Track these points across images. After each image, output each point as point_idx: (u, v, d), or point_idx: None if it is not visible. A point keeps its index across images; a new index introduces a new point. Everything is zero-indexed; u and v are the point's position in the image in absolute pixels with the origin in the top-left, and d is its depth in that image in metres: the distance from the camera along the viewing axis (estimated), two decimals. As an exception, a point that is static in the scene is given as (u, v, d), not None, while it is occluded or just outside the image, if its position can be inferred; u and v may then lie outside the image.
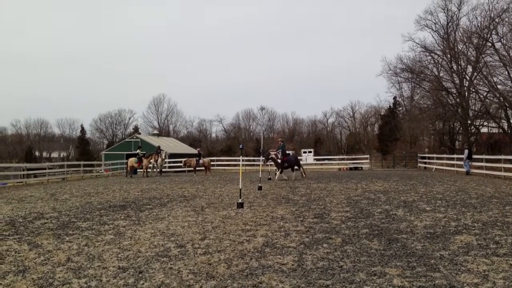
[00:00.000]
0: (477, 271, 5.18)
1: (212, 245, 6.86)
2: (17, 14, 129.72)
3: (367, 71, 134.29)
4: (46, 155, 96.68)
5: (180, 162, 35.66)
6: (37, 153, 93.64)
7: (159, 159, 30.62)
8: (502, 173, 22.99)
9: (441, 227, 7.99)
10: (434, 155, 34.56)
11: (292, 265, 5.61)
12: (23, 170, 27.03)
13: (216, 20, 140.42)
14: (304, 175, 24.00)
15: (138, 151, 31.15)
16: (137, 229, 8.40)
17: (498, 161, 24.52)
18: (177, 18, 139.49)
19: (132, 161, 30.27)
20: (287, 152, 25.27)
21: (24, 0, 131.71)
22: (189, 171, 35.38)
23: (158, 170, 31.57)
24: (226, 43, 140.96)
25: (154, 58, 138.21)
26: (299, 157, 28.81)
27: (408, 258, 5.84)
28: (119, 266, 5.74)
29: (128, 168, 30.43)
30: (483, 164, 25.98)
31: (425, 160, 34.25)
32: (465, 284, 4.67)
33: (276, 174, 22.94)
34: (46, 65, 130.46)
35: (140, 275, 5.31)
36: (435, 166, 33.02)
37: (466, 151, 26.91)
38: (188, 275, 5.25)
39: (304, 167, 27.41)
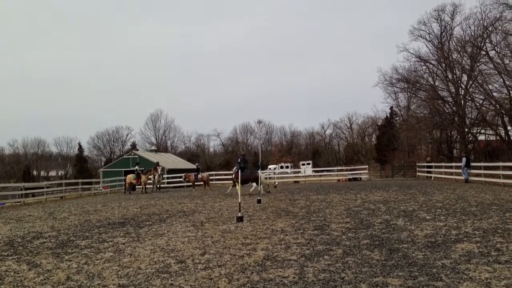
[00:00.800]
0: (479, 279, 5.16)
1: (213, 260, 6.82)
2: (13, 32, 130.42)
3: (363, 82, 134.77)
4: (44, 174, 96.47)
5: (179, 177, 35.60)
6: (35, 172, 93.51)
7: (156, 175, 30.60)
8: (501, 180, 23.00)
9: (442, 236, 7.97)
10: (433, 164, 34.58)
11: (294, 277, 5.58)
12: (21, 190, 26.94)
13: (214, 37, 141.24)
14: (267, 191, 22.71)
15: (136, 167, 31.13)
16: (136, 246, 8.35)
17: (497, 168, 24.53)
18: (176, 35, 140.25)
19: (130, 177, 30.25)
20: (245, 167, 23.24)
21: (20, 19, 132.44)
22: (187, 186, 35.31)
23: (157, 186, 31.52)
24: (223, 58, 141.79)
25: (150, 74, 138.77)
26: (262, 171, 26.93)
27: (409, 267, 5.82)
28: (119, 283, 5.70)
29: (127, 185, 30.38)
30: (482, 171, 25.99)
31: (427, 170, 34.13)
32: (467, 293, 4.64)
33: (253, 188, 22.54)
34: (42, 84, 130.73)
35: (141, 292, 5.27)
36: (433, 175, 33.03)
37: (464, 159, 26.91)
38: (189, 291, 5.20)
39: (303, 179, 27.30)
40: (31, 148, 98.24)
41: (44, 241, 9.50)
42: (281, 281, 5.46)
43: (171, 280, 5.72)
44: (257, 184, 21.83)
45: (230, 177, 31.10)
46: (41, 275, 6.33)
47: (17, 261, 7.49)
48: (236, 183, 20.94)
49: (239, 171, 20.41)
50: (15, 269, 6.85)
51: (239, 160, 22.89)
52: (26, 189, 27.63)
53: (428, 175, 33.53)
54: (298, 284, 5.30)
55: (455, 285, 4.93)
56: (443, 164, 33.58)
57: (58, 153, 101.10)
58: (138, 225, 11.43)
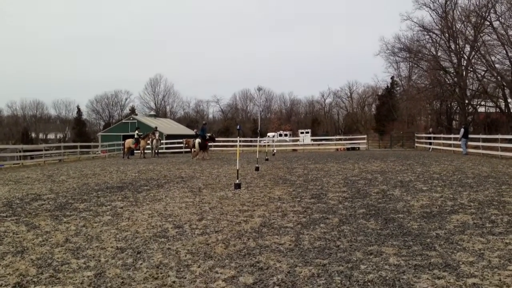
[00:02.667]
0: (473, 249, 5.22)
1: (210, 225, 6.89)
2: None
3: (364, 51, 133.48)
4: (42, 136, 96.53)
5: (177, 143, 35.67)
6: (33, 135, 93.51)
7: (155, 140, 30.62)
8: (499, 153, 23.05)
9: (438, 207, 8.03)
10: (431, 135, 34.59)
11: (289, 245, 5.65)
12: (20, 152, 27.00)
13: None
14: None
15: (136, 132, 31.10)
16: (134, 210, 8.42)
17: (495, 140, 24.57)
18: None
19: (129, 142, 30.27)
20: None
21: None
22: (186, 152, 35.39)
23: (156, 151, 31.58)
24: (224, 22, 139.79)
25: (150, 38, 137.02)
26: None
27: (404, 237, 5.88)
28: (117, 246, 5.76)
29: (125, 149, 30.42)
30: (480, 143, 26.02)
31: (430, 141, 34.05)
32: (460, 263, 4.71)
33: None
34: (43, 47, 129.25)
35: (138, 255, 5.34)
36: (432, 146, 33.08)
37: (462, 130, 26.78)
38: (186, 255, 5.27)
39: (301, 147, 27.92)
40: (30, 110, 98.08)
41: (42, 203, 9.56)
42: (277, 247, 5.53)
43: (169, 245, 5.79)
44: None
45: (233, 144, 32.17)
46: (40, 237, 6.40)
47: (15, 222, 7.56)
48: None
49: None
50: (14, 230, 6.92)
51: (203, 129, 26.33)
52: (24, 151, 27.68)
53: (430, 146, 33.53)
54: (293, 251, 5.37)
55: (448, 255, 5.00)
56: (442, 135, 33.60)
57: (57, 116, 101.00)
58: (136, 190, 11.50)
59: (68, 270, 4.81)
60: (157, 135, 31.19)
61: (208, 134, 27.27)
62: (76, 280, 4.49)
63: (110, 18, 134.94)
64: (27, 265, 5.04)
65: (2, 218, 7.98)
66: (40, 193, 11.30)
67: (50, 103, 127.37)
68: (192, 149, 28.35)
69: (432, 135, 34.26)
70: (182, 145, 34.45)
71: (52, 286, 4.32)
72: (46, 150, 31.25)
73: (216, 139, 34.53)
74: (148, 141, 30.37)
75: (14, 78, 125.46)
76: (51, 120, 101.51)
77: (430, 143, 33.62)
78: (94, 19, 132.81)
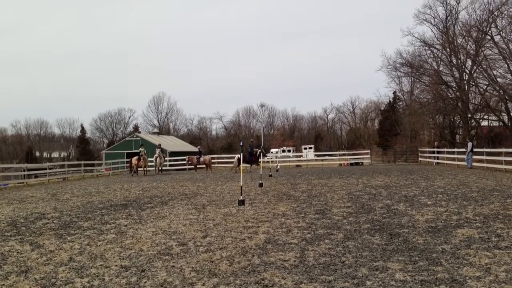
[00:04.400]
0: (479, 264, 5.18)
1: (214, 242, 6.86)
2: (16, 13, 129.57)
3: (366, 66, 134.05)
4: (46, 155, 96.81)
5: (181, 160, 35.71)
6: (37, 153, 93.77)
7: (158, 158, 30.68)
8: (503, 166, 22.97)
9: (443, 221, 7.99)
10: (435, 149, 34.50)
11: (294, 261, 5.62)
12: (24, 171, 27.05)
13: (215, 18, 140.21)
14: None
15: (140, 149, 31.15)
16: (138, 228, 8.41)
17: (499, 154, 24.50)
18: (176, 17, 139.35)
19: (135, 159, 30.33)
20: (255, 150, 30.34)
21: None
22: (189, 168, 35.40)
23: (160, 168, 31.60)
24: (225, 40, 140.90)
25: (153, 56, 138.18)
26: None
27: (410, 252, 5.84)
28: (121, 265, 5.74)
29: (134, 167, 30.38)
30: (484, 157, 25.95)
31: (433, 155, 33.87)
32: (467, 278, 4.67)
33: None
34: (45, 65, 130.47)
35: (143, 273, 5.32)
36: (435, 161, 32.98)
37: (470, 144, 26.75)
38: (190, 273, 5.25)
39: (305, 163, 28.24)
40: (34, 129, 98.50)
41: (46, 222, 9.56)
42: (282, 264, 5.50)
43: (173, 262, 5.77)
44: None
45: (233, 160, 32.94)
46: (44, 256, 6.39)
47: (20, 241, 7.55)
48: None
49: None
50: (18, 249, 6.91)
51: (251, 145, 30.41)
52: (28, 170, 27.72)
53: (434, 160, 33.37)
54: (298, 267, 5.34)
55: (455, 270, 4.96)
56: (445, 149, 33.51)
57: (61, 134, 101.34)
58: (140, 207, 11.49)
59: (72, 289, 4.79)
60: (157, 152, 31.25)
61: (257, 150, 30.09)
62: (81, 299, 4.47)
63: (110, 36, 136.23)
64: (31, 284, 5.03)
65: (6, 237, 7.98)
66: (44, 212, 11.30)
67: (54, 122, 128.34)
68: (196, 166, 28.94)
69: (436, 149, 34.16)
70: (186, 162, 34.49)
71: (56, 306, 4.30)
72: (50, 168, 31.33)
73: (219, 155, 34.69)
74: (141, 162, 30.33)
75: (18, 97, 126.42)
76: (55, 138, 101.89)
77: (436, 158, 33.47)
78: (95, 37, 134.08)
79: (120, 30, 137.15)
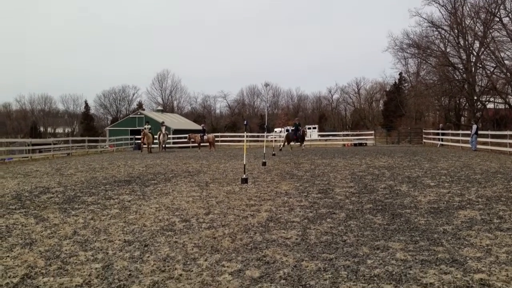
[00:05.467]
0: (480, 245, 5.20)
1: (217, 219, 6.91)
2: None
3: (372, 47, 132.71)
4: (50, 130, 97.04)
5: (184, 138, 35.74)
6: (41, 129, 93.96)
7: (161, 135, 30.73)
8: (508, 149, 22.89)
9: (445, 202, 8.01)
10: (439, 131, 34.38)
11: (296, 239, 5.65)
12: (28, 145, 27.17)
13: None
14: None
15: (145, 126, 31.14)
16: (142, 204, 8.47)
17: (504, 136, 24.38)
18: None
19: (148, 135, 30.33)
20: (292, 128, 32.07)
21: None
22: (193, 146, 35.47)
23: (163, 146, 31.66)
24: (230, 18, 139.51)
25: (157, 33, 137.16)
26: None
27: (411, 232, 5.87)
28: (124, 239, 5.80)
29: (145, 144, 30.21)
30: (489, 140, 25.86)
31: (439, 137, 33.78)
32: (467, 258, 4.69)
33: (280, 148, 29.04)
34: (50, 40, 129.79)
35: (146, 248, 5.37)
36: (440, 142, 32.91)
37: (475, 126, 26.65)
38: (193, 249, 5.30)
39: (309, 143, 28.59)
40: (38, 104, 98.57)
41: (51, 196, 9.64)
42: (284, 242, 5.54)
43: (176, 238, 5.82)
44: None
45: (240, 139, 33.21)
46: (48, 229, 6.45)
47: (24, 214, 7.62)
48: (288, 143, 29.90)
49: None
50: (23, 222, 6.98)
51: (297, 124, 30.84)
52: (33, 145, 27.86)
53: (438, 142, 33.32)
54: (300, 245, 5.37)
55: (456, 251, 4.98)
56: (450, 131, 33.39)
57: (65, 110, 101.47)
58: (143, 184, 11.55)
59: (76, 262, 4.86)
60: (163, 129, 31.28)
61: (301, 129, 31.25)
62: (84, 272, 4.53)
63: (116, 12, 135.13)
64: (35, 257, 5.09)
65: (11, 210, 8.06)
66: (49, 186, 11.38)
67: (58, 98, 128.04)
68: (200, 144, 29.13)
69: (441, 131, 34.04)
70: (187, 139, 34.53)
71: (60, 278, 4.36)
72: (54, 144, 31.38)
73: (223, 134, 34.61)
74: (156, 136, 30.45)
75: (23, 72, 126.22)
76: (59, 114, 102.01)
77: (440, 139, 33.39)
78: (103, 21, 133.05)
79: (125, 7, 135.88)
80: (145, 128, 30.50)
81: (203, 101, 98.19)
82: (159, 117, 52.65)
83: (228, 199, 8.80)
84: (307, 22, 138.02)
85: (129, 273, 4.47)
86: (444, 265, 4.48)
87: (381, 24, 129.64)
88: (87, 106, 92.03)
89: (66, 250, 5.35)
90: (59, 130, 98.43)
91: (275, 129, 62.44)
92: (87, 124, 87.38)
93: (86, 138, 35.25)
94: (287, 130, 30.58)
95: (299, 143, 30.41)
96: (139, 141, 32.16)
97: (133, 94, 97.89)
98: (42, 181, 12.79)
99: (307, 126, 67.05)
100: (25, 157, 25.35)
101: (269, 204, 8.13)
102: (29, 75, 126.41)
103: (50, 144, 30.81)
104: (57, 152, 28.89)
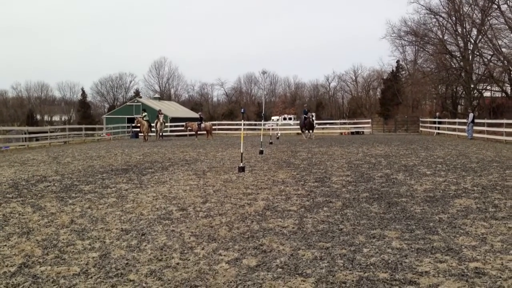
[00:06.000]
0: (476, 234, 5.24)
1: (214, 208, 6.93)
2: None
3: (370, 35, 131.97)
4: (47, 118, 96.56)
5: (181, 126, 35.70)
6: (38, 117, 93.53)
7: (159, 123, 30.68)
8: (504, 138, 22.98)
9: (441, 191, 8.04)
10: (436, 120, 34.44)
11: (293, 228, 5.68)
12: (25, 134, 27.13)
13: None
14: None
15: (143, 114, 31.04)
16: (139, 193, 8.48)
17: (500, 125, 24.47)
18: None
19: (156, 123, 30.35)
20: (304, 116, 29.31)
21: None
22: (190, 135, 35.44)
23: (160, 134, 31.63)
24: (227, 7, 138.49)
25: (155, 20, 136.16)
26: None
27: (407, 221, 5.91)
28: (122, 228, 5.82)
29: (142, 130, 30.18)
30: (485, 128, 25.93)
31: (436, 125, 33.90)
32: (463, 247, 4.73)
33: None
34: (46, 27, 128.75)
35: (143, 237, 5.39)
36: (436, 131, 32.98)
37: (471, 115, 26.72)
38: (190, 237, 5.32)
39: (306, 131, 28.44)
40: (35, 92, 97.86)
41: (48, 185, 9.64)
42: (280, 230, 5.56)
43: (173, 227, 5.84)
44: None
45: (237, 127, 32.99)
46: (46, 218, 6.46)
47: (21, 203, 7.63)
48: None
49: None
50: (20, 211, 6.99)
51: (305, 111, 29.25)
52: (30, 133, 27.81)
53: (435, 131, 33.43)
54: (297, 234, 5.40)
55: (451, 239, 5.02)
56: (446, 120, 33.45)
57: (62, 98, 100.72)
58: (140, 172, 11.56)
59: (73, 251, 4.87)
60: (161, 118, 31.21)
61: (306, 116, 29.12)
62: (81, 261, 4.55)
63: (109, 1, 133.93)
64: (32, 245, 5.10)
65: (8, 199, 8.05)
66: (46, 175, 11.37)
67: (55, 85, 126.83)
68: (197, 132, 29.04)
69: (438, 120, 34.10)
70: (184, 127, 34.51)
71: (57, 267, 4.38)
72: (51, 132, 31.29)
73: (220, 122, 34.54)
74: (153, 124, 30.39)
75: (18, 59, 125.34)
76: (56, 102, 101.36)
77: (437, 128, 33.48)
78: (100, 8, 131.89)
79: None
80: (142, 117, 30.40)
81: (200, 89, 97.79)
82: (156, 105, 52.53)
83: (225, 188, 8.82)
84: (306, 9, 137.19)
85: (126, 262, 4.49)
86: (440, 254, 4.51)
87: (380, 10, 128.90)
88: (84, 93, 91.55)
89: (63, 239, 5.36)
90: (56, 118, 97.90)
91: (272, 117, 62.35)
92: (84, 112, 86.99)
93: (83, 126, 35.19)
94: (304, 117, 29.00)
95: (308, 132, 28.89)
96: (137, 129, 32.09)
97: (130, 82, 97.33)
98: (39, 169, 12.78)
99: (288, 116, 66.77)
100: (21, 145, 25.30)
101: (266, 193, 8.15)
102: (25, 62, 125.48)
103: (47, 132, 30.73)
104: (54, 140, 28.81)
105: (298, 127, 29.80)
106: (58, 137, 30.84)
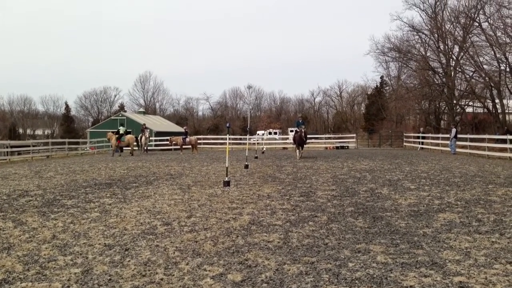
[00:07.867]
0: (459, 248, 5.27)
1: (199, 223, 6.88)
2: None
3: (354, 50, 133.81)
4: (30, 132, 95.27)
5: (166, 140, 35.51)
6: (20, 130, 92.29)
7: (143, 137, 30.47)
8: (486, 152, 23.34)
9: (425, 205, 8.10)
10: (420, 135, 34.85)
11: (278, 242, 5.66)
12: (7, 147, 26.69)
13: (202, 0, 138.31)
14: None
15: (120, 128, 30.70)
16: (123, 207, 8.38)
17: (482, 140, 24.86)
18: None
19: (132, 138, 29.91)
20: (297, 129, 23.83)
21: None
22: (175, 149, 35.27)
23: (145, 148, 31.41)
24: (213, 21, 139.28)
25: (140, 35, 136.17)
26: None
27: (392, 235, 5.93)
28: (105, 243, 5.73)
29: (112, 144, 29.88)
30: (468, 143, 26.30)
31: (420, 140, 34.32)
32: (447, 261, 4.75)
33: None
34: (29, 40, 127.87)
35: (126, 252, 5.31)
36: (420, 146, 33.34)
37: (454, 130, 27.12)
38: (174, 252, 5.26)
39: (291, 146, 28.14)
40: (17, 105, 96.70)
41: (30, 199, 9.48)
42: (266, 245, 5.54)
43: (157, 242, 5.77)
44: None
45: (223, 141, 32.15)
46: (27, 233, 6.34)
47: (2, 218, 7.48)
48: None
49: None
50: (0, 226, 6.84)
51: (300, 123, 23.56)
52: (12, 146, 27.39)
53: (419, 145, 33.82)
54: (282, 248, 5.38)
55: (435, 253, 5.04)
56: (429, 135, 33.87)
57: (45, 111, 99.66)
58: (124, 187, 11.44)
59: (55, 267, 4.78)
60: (147, 133, 31.03)
61: (296, 129, 24.37)
62: (63, 277, 4.46)
63: (96, 14, 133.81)
64: (13, 261, 5.00)
65: (-12, 214, 7.89)
66: (28, 189, 11.19)
67: (38, 99, 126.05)
68: (182, 146, 28.77)
69: (421, 135, 34.53)
70: (169, 142, 34.37)
71: (38, 283, 4.29)
72: (33, 146, 30.87)
73: (205, 136, 34.35)
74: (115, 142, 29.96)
75: (1, 73, 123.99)
76: (39, 116, 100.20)
77: (421, 143, 33.88)
78: (85, 22, 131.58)
79: (108, 7, 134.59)
80: (115, 131, 29.66)
81: (186, 103, 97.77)
82: (141, 119, 52.39)
83: (210, 202, 8.77)
84: (292, 25, 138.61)
85: (109, 277, 4.42)
86: (424, 268, 4.52)
87: (364, 27, 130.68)
88: (67, 107, 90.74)
89: (44, 254, 5.26)
90: (39, 131, 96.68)
91: (258, 132, 62.45)
92: (67, 126, 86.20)
93: (67, 140, 34.75)
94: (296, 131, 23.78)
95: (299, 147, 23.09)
96: (122, 144, 31.75)
97: (115, 96, 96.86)
98: (20, 184, 12.57)
99: (289, 129, 67.21)
100: (3, 160, 24.88)
101: (251, 207, 8.12)
102: (8, 76, 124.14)
103: (29, 146, 30.31)
104: (37, 155, 28.41)
105: (283, 142, 27.46)
106: (40, 151, 30.43)
